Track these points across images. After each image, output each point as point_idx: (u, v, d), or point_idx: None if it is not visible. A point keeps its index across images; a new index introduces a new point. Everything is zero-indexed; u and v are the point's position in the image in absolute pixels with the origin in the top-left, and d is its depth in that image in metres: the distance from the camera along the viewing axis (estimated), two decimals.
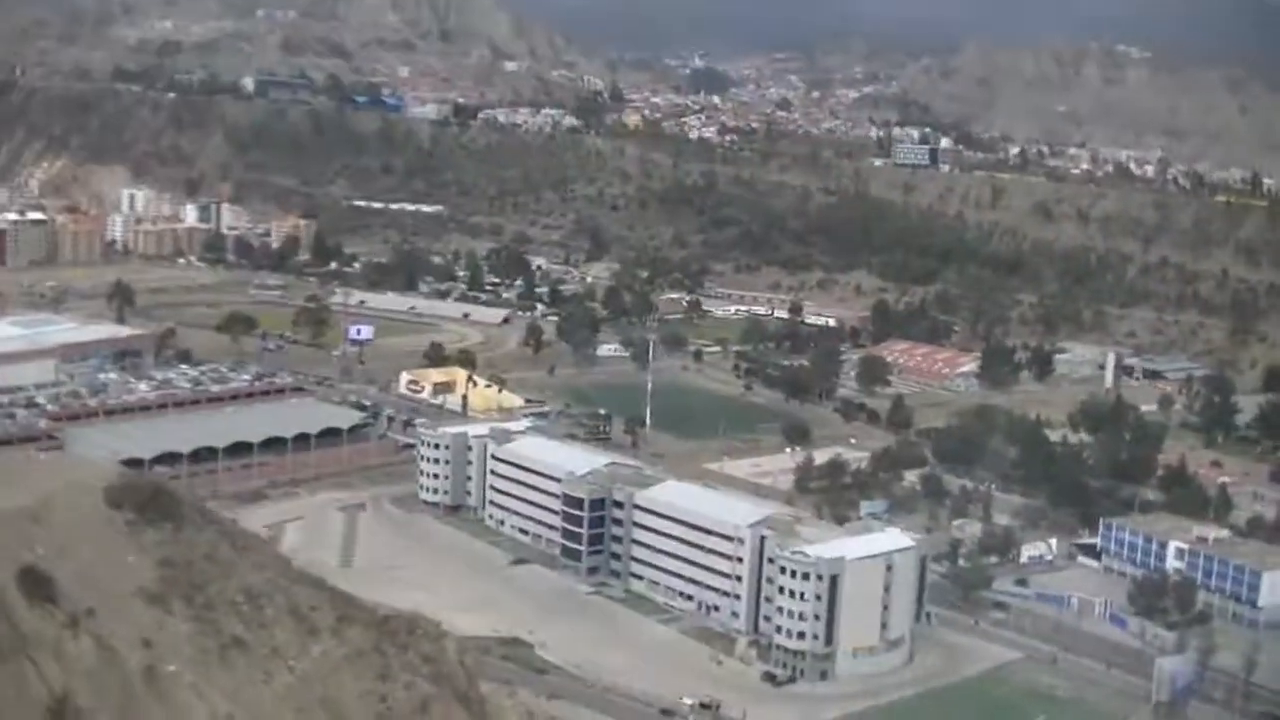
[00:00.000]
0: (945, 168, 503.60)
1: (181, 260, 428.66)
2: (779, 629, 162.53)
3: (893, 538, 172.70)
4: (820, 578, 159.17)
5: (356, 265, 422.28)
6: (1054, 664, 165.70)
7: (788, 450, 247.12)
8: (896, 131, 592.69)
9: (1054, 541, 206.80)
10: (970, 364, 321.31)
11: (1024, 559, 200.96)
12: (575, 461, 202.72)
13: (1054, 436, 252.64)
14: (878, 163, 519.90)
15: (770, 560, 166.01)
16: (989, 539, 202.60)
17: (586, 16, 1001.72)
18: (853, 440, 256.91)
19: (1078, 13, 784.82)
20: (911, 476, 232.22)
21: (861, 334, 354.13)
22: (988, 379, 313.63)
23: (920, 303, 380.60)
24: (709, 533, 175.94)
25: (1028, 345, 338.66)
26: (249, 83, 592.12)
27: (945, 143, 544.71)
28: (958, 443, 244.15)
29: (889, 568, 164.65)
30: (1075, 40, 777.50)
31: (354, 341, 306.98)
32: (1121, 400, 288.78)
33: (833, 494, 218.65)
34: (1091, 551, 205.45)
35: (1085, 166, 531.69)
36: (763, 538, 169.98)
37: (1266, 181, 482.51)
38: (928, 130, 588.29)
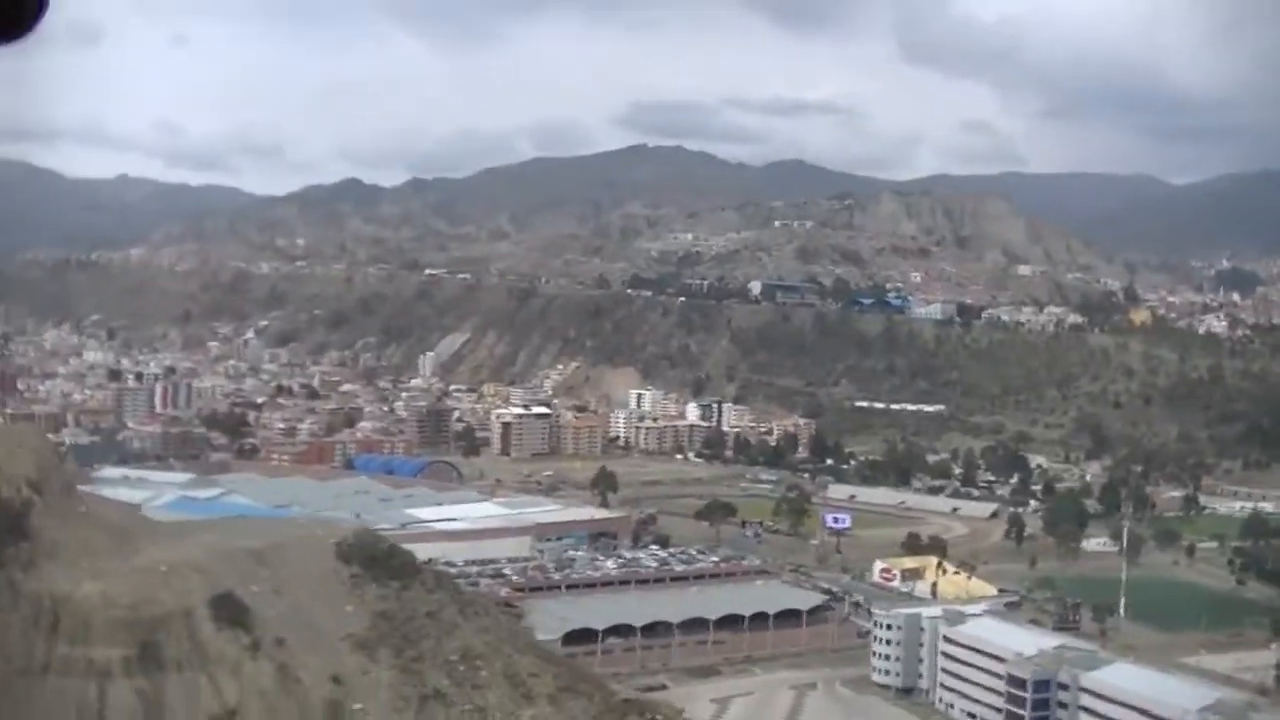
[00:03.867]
0: None
1: (680, 456, 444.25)
2: None
3: None
4: None
5: (852, 463, 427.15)
6: None
7: (1275, 645, 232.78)
8: None
9: None
10: None
11: None
12: (1025, 643, 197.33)
13: None
14: None
15: None
16: None
17: (1106, 223, 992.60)
18: None
19: None
20: None
21: None
22: None
23: None
24: (1154, 716, 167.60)
25: None
26: (755, 287, 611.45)
27: None
28: None
29: None
30: None
31: (831, 530, 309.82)
32: None
33: None
34: None
35: None
36: None
37: None
38: None
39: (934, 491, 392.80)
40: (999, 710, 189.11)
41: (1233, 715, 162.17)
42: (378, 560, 77.61)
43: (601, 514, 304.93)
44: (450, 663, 72.54)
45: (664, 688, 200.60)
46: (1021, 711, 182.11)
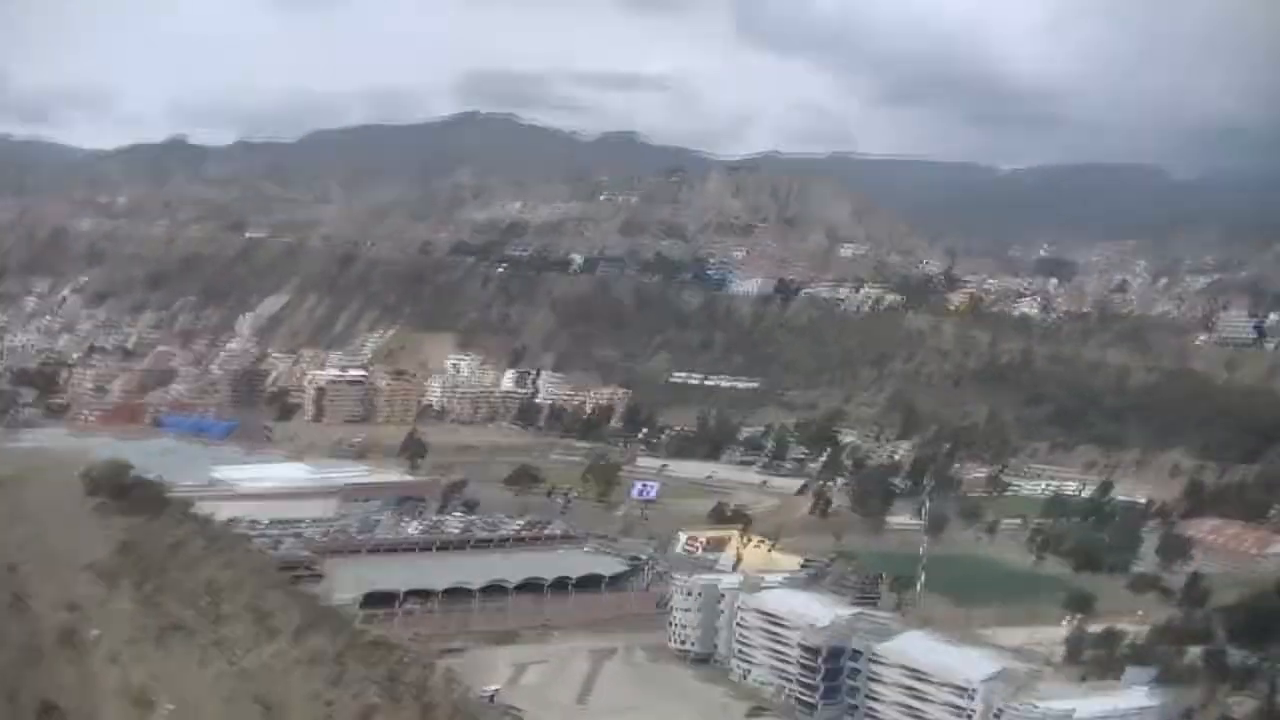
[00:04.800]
0: (1273, 345, 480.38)
1: (494, 424, 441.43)
2: None
3: (1133, 697, 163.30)
4: None
5: (665, 435, 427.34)
6: None
7: (1066, 620, 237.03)
8: (1225, 313, 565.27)
9: None
10: None
11: None
12: (822, 613, 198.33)
13: None
14: (1200, 339, 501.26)
15: (998, 714, 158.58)
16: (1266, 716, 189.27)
17: (932, 207, 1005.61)
18: (1139, 614, 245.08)
19: None
20: (1195, 651, 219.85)
21: (1171, 512, 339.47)
22: None
23: (1238, 482, 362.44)
24: (941, 684, 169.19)
25: None
26: (577, 258, 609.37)
27: (1275, 319, 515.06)
28: (1248, 618, 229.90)
29: None
30: None
31: (638, 499, 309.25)
32: None
33: (1103, 663, 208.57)
34: None
35: None
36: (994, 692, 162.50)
37: None
38: (1257, 309, 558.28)
39: (745, 465, 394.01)
40: (793, 679, 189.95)
41: (1016, 683, 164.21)
42: (125, 491, 74.29)
43: (409, 478, 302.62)
44: (193, 594, 69.35)
45: (462, 651, 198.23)
46: (814, 680, 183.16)
